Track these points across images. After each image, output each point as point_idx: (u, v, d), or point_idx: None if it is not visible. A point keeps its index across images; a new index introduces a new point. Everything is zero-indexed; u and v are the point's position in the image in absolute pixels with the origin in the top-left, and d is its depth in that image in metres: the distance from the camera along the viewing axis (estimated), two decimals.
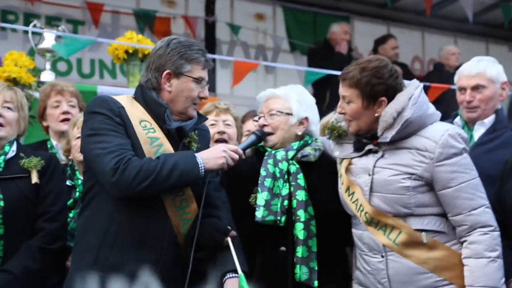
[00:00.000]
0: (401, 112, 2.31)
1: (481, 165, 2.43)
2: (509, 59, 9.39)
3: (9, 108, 2.64)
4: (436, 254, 2.29)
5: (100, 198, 2.22)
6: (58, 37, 4.38)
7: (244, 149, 2.37)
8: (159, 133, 2.25)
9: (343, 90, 2.40)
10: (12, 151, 2.63)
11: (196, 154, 2.21)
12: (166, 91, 2.29)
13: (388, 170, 2.32)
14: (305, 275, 2.37)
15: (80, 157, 2.88)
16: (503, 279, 2.24)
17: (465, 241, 2.27)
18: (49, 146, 3.30)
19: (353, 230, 2.46)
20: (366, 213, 2.34)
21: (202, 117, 2.43)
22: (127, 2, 7.25)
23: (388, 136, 2.32)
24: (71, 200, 2.85)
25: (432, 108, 2.43)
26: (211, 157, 2.21)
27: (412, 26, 8.69)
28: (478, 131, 3.05)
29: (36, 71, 4.28)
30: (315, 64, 5.61)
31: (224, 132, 3.05)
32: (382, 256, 2.33)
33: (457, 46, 7.53)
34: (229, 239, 2.20)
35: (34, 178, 2.56)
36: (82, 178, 2.89)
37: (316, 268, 2.40)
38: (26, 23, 6.21)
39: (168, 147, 2.24)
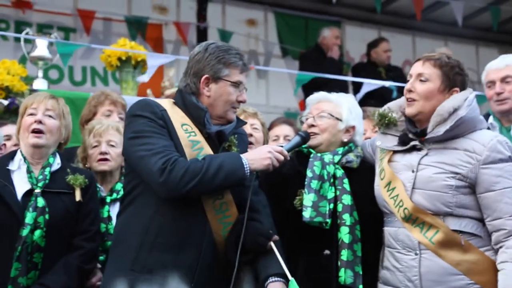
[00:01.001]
0: (457, 109, 2.35)
1: None
2: None
3: (50, 116, 2.66)
4: (471, 257, 2.28)
5: (141, 200, 2.23)
6: (50, 45, 4.37)
7: (289, 150, 2.36)
8: (199, 137, 2.27)
9: (422, 68, 2.42)
10: (57, 163, 2.67)
11: (241, 155, 2.22)
12: (205, 95, 2.31)
13: (432, 167, 2.34)
14: (350, 279, 2.37)
15: (98, 166, 2.90)
16: None
17: (502, 246, 2.27)
18: None
19: (386, 228, 2.45)
20: (405, 208, 2.34)
21: (240, 121, 2.45)
22: (118, 9, 7.25)
23: (441, 130, 2.33)
24: None
25: (481, 117, 2.47)
26: (257, 158, 2.22)
27: (403, 30, 8.75)
28: None
29: (28, 79, 4.27)
30: (307, 69, 5.62)
31: (251, 135, 3.07)
32: (416, 254, 2.32)
33: (446, 49, 7.59)
34: (272, 243, 2.21)
35: (78, 196, 2.61)
36: (99, 186, 2.88)
37: (361, 273, 2.40)
38: (18, 31, 6.22)
39: (208, 151, 2.25)
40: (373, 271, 2.49)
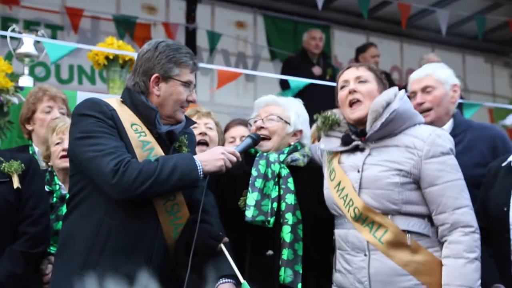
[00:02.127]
0: (390, 103, 2.40)
1: None
2: (485, 70, 9.59)
3: None
4: (418, 257, 2.31)
5: (89, 202, 2.18)
6: (37, 42, 4.33)
7: (240, 152, 2.38)
8: (150, 137, 2.23)
9: (359, 71, 2.53)
10: None
11: (194, 157, 2.20)
12: (155, 95, 2.26)
13: (377, 166, 2.37)
14: (289, 278, 2.38)
15: (60, 163, 2.86)
16: (479, 281, 2.27)
17: (445, 240, 2.31)
18: (31, 152, 3.25)
19: (337, 231, 2.47)
20: (355, 208, 2.36)
21: (190, 121, 2.42)
22: (107, 8, 7.21)
23: (378, 124, 2.37)
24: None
25: (415, 111, 2.53)
26: (210, 159, 2.21)
27: (390, 36, 8.82)
28: None
29: (14, 76, 4.22)
30: (288, 74, 5.63)
31: (205, 134, 3.07)
32: (365, 255, 2.34)
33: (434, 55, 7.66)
34: (222, 246, 2.21)
35: (16, 183, 2.52)
36: (60, 183, 2.86)
37: (301, 272, 2.41)
38: (4, 28, 6.13)
39: (159, 151, 2.22)
40: (318, 273, 2.51)
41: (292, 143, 2.63)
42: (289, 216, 2.44)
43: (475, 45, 9.14)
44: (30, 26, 6.48)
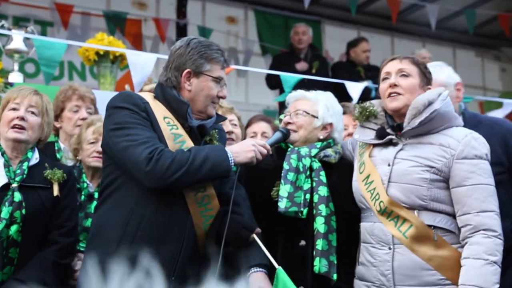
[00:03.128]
0: (432, 102, 2.40)
1: None
2: (476, 64, 9.64)
3: (33, 112, 2.63)
4: (443, 252, 2.30)
5: (121, 192, 2.21)
6: (26, 39, 4.30)
7: (271, 145, 2.40)
8: (181, 130, 2.27)
9: (402, 64, 2.49)
10: (35, 158, 2.64)
11: (225, 148, 2.24)
12: (186, 89, 2.31)
13: (408, 161, 2.37)
14: (324, 268, 2.39)
15: (92, 162, 2.87)
16: (497, 286, 2.20)
17: (467, 242, 2.28)
18: (56, 148, 3.26)
19: (362, 224, 2.48)
20: (381, 202, 2.36)
21: (220, 117, 2.47)
22: (97, 4, 7.18)
23: (416, 121, 2.37)
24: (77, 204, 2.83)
25: (455, 113, 2.51)
26: (241, 151, 2.24)
27: (381, 31, 8.84)
28: None
29: (4, 72, 4.20)
30: (277, 69, 5.62)
31: (232, 132, 3.09)
32: (390, 248, 2.34)
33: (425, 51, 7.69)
34: (255, 236, 2.23)
35: (56, 191, 2.57)
36: (87, 181, 2.87)
37: (336, 262, 2.43)
38: None
39: (190, 144, 2.25)
40: (345, 265, 2.52)
41: (322, 137, 2.65)
42: (322, 208, 2.45)
43: (465, 39, 9.18)
44: (19, 22, 6.44)
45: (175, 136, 2.24)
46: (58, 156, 3.18)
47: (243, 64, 7.76)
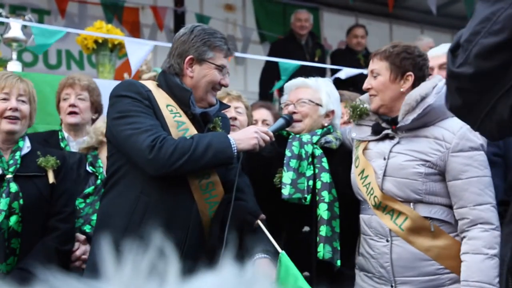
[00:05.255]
0: (425, 97, 2.38)
1: None
2: None
3: (23, 101, 2.61)
4: (440, 242, 2.31)
5: (126, 181, 2.23)
6: (24, 27, 4.27)
7: (273, 132, 2.40)
8: (184, 118, 2.29)
9: (372, 65, 2.48)
10: (27, 147, 2.63)
11: (228, 135, 2.25)
12: (188, 76, 2.31)
13: (403, 155, 2.37)
14: (328, 254, 2.40)
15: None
16: (498, 278, 2.21)
17: (464, 236, 2.29)
18: (60, 137, 3.26)
19: (361, 216, 2.49)
20: (375, 197, 2.38)
21: (224, 105, 2.48)
22: None
23: (409, 118, 2.37)
24: (92, 187, 2.84)
25: None
26: (244, 137, 2.25)
27: (379, 18, 8.81)
28: None
29: (2, 61, 4.18)
30: (275, 56, 5.60)
31: (235, 119, 3.08)
32: (387, 241, 2.36)
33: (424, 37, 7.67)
34: (259, 222, 2.25)
35: (51, 178, 2.57)
36: (103, 166, 2.85)
37: (339, 248, 2.44)
38: None
39: (193, 131, 2.27)
40: (348, 252, 2.54)
41: (326, 124, 2.65)
42: (325, 194, 2.47)
43: (464, 25, 9.08)
44: (16, 11, 6.39)
45: (178, 123, 2.25)
46: (62, 145, 3.18)
47: (241, 52, 7.73)
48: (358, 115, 2.55)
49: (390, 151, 2.40)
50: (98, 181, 2.85)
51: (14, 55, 4.26)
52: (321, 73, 5.04)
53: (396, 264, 2.34)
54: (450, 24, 9.11)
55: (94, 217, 2.71)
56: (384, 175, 2.38)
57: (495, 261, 2.23)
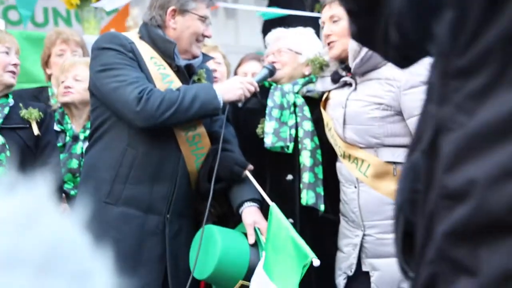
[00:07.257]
0: None
1: None
2: None
3: (17, 57, 2.65)
4: None
5: (111, 134, 2.24)
6: None
7: (258, 82, 2.43)
8: (169, 70, 2.28)
9: (331, 10, 2.46)
10: (11, 101, 2.65)
11: (213, 86, 2.28)
12: (171, 28, 2.29)
13: (359, 101, 2.39)
14: (312, 199, 2.44)
15: (62, 98, 2.83)
16: None
17: None
18: (50, 94, 3.24)
19: (337, 164, 2.53)
20: (339, 147, 2.42)
21: (207, 56, 2.48)
22: None
23: (357, 61, 2.37)
24: (61, 144, 2.84)
25: None
26: (229, 88, 2.28)
27: None
28: None
29: None
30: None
31: (215, 70, 3.08)
32: (355, 187, 2.41)
33: None
34: (247, 172, 2.28)
35: (36, 130, 2.57)
36: (70, 122, 2.87)
37: (322, 194, 2.47)
38: None
39: (178, 84, 2.26)
40: (331, 200, 2.57)
41: (307, 73, 2.66)
42: (307, 142, 2.49)
43: None
44: None
45: (163, 76, 2.25)
46: (52, 102, 3.15)
47: (232, 2, 7.57)
48: (318, 68, 2.56)
49: (347, 99, 2.42)
50: (67, 138, 2.85)
51: None
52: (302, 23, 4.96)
53: (363, 209, 2.39)
54: None
55: (67, 177, 2.73)
56: (344, 124, 2.40)
57: None
